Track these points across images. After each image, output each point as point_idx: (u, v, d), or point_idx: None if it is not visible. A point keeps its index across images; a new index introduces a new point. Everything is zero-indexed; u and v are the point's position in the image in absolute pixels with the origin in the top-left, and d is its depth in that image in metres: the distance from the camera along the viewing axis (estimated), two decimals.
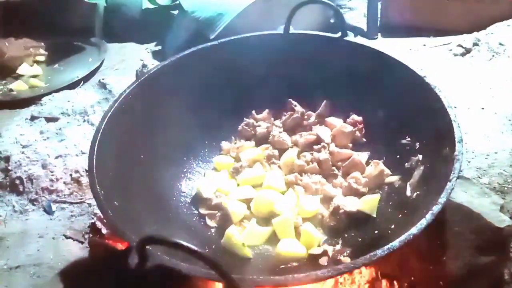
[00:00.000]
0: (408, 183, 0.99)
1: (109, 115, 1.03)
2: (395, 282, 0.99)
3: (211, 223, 1.06)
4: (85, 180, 1.32)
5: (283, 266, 0.92)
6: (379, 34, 2.09)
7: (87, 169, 1.25)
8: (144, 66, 1.58)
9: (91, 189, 0.86)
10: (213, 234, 1.04)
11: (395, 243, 0.72)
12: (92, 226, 1.20)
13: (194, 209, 1.11)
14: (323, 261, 0.91)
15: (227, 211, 1.04)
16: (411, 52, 1.91)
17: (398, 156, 1.08)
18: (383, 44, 2.01)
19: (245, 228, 1.02)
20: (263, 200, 1.05)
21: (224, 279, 0.64)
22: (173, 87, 1.20)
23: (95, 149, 0.94)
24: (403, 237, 0.72)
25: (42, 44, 2.16)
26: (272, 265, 0.95)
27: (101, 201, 0.83)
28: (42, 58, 2.14)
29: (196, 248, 0.61)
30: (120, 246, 1.10)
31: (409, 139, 1.07)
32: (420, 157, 1.01)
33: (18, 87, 1.94)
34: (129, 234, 0.76)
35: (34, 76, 2.03)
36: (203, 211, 1.09)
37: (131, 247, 0.75)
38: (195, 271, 0.69)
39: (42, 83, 1.97)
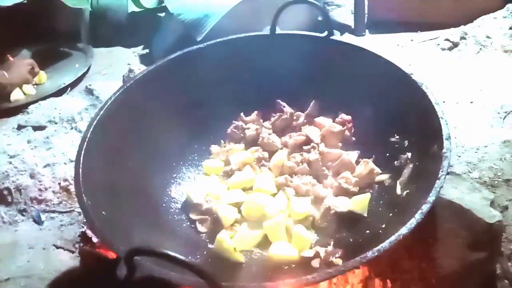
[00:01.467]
0: (398, 182, 0.99)
1: (95, 122, 1.02)
2: (388, 281, 0.99)
3: (202, 228, 1.05)
4: (74, 188, 1.31)
5: (274, 270, 0.91)
6: (367, 30, 2.09)
7: None
8: (130, 71, 1.57)
9: (78, 200, 0.85)
10: (205, 239, 1.03)
11: (385, 244, 0.71)
12: (83, 235, 1.19)
13: (184, 214, 1.10)
14: (315, 263, 0.90)
15: (218, 216, 1.03)
16: (399, 48, 1.91)
17: (387, 154, 1.08)
18: (371, 41, 2.02)
19: (236, 232, 1.02)
20: (254, 204, 1.04)
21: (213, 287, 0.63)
22: (160, 92, 1.19)
23: (81, 158, 0.93)
24: (393, 238, 0.72)
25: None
26: (265, 269, 0.94)
27: (88, 212, 0.82)
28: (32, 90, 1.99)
29: (183, 258, 0.60)
30: (112, 255, 1.09)
31: (398, 137, 1.07)
32: (409, 155, 1.00)
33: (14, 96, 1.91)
34: (116, 245, 0.75)
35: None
36: (193, 216, 1.08)
37: (119, 258, 0.74)
38: (185, 280, 0.69)
39: (35, 90, 1.94)
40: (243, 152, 1.21)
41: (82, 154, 0.94)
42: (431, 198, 0.77)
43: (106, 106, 1.06)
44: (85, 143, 0.97)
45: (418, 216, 0.74)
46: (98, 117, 1.03)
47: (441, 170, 0.81)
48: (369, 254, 0.70)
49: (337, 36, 1.23)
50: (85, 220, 1.21)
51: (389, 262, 0.98)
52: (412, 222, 0.74)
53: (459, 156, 1.25)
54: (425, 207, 0.76)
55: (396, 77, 1.05)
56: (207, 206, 1.07)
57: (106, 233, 0.78)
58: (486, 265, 0.96)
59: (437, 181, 0.79)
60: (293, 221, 1.02)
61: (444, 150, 0.84)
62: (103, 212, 0.86)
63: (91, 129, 1.00)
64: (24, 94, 1.92)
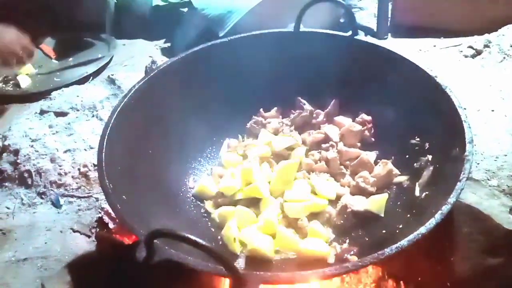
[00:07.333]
0: (417, 183, 0.99)
1: (118, 109, 1.03)
2: (401, 282, 0.98)
3: (216, 219, 1.06)
4: (93, 174, 1.33)
5: (292, 265, 0.91)
6: (389, 34, 2.08)
7: (95, 163, 1.26)
8: (153, 62, 1.58)
9: (100, 183, 0.86)
10: (217, 230, 1.04)
11: (404, 242, 0.71)
12: (99, 221, 1.20)
13: (200, 205, 1.11)
14: (331, 259, 0.91)
15: (233, 208, 1.04)
16: (421, 53, 1.89)
17: (407, 156, 1.08)
18: (393, 45, 2.00)
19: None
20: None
21: (231, 274, 0.64)
22: (182, 84, 1.20)
23: (104, 143, 0.94)
24: (411, 236, 0.72)
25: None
26: (281, 263, 0.94)
27: (110, 194, 0.84)
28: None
29: (204, 243, 0.61)
30: (127, 240, 1.11)
31: (418, 139, 1.06)
32: (429, 157, 1.00)
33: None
34: (137, 227, 0.76)
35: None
36: (209, 207, 1.10)
37: (139, 241, 0.75)
38: (203, 266, 0.70)
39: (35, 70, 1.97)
40: (261, 146, 1.21)
41: (105, 139, 0.95)
42: (452, 199, 0.77)
43: (130, 95, 1.08)
44: (108, 129, 0.98)
45: (438, 217, 0.74)
46: (122, 104, 1.05)
47: (462, 173, 0.80)
48: (387, 251, 0.70)
49: (361, 36, 1.22)
50: (102, 206, 1.23)
51: (404, 264, 0.98)
52: (431, 222, 0.73)
53: (478, 164, 1.24)
54: (445, 208, 0.75)
55: (420, 80, 1.05)
56: (223, 198, 1.08)
57: (127, 216, 0.80)
58: (502, 271, 0.95)
59: (458, 183, 0.79)
60: (308, 218, 1.02)
61: (466, 153, 0.84)
62: (123, 197, 0.87)
63: (115, 116, 1.01)
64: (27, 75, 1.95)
